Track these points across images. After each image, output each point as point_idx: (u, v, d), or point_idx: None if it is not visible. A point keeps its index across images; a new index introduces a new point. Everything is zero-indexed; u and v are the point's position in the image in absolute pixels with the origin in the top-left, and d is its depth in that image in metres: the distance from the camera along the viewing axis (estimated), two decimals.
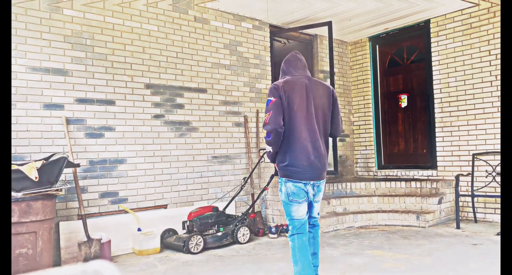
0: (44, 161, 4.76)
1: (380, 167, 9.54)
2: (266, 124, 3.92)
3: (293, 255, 3.99)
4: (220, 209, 6.66)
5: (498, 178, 7.16)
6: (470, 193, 7.42)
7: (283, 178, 4.05)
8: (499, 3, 7.39)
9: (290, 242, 4.05)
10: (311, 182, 4.01)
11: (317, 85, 4.15)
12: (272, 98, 3.94)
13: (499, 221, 7.31)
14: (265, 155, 4.55)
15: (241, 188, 6.95)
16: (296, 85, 4.02)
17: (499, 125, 7.40)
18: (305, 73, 4.21)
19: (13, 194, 4.43)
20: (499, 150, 7.35)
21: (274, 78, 8.27)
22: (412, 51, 9.02)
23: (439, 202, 7.47)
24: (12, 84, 5.36)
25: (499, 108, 7.42)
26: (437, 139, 8.33)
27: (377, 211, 7.65)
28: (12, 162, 5.00)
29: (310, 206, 4.19)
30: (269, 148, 4.04)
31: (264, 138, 4.03)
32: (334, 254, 5.63)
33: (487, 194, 7.19)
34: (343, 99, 9.73)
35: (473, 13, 7.78)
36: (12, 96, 5.36)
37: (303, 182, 3.97)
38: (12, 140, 5.32)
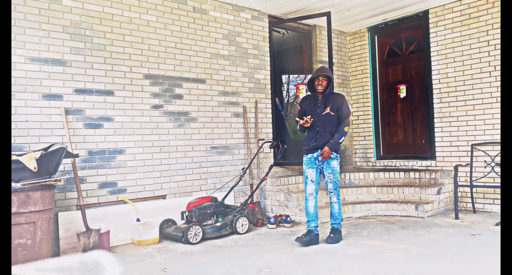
0: (43, 152, 4.75)
1: (379, 157, 9.56)
2: (349, 124, 5.81)
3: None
4: (219, 199, 6.67)
5: (497, 169, 7.18)
6: (469, 183, 7.44)
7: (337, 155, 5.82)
8: None
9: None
10: None
11: None
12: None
13: (498, 211, 7.34)
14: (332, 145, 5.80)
15: (240, 179, 6.97)
16: None
17: (498, 116, 7.41)
18: None
19: (12, 184, 4.43)
20: (498, 141, 7.36)
21: (273, 68, 8.26)
22: (411, 41, 9.01)
23: (438, 193, 7.49)
24: (11, 74, 5.35)
25: (498, 98, 7.42)
26: (436, 130, 8.33)
27: (376, 202, 7.67)
28: (11, 152, 4.99)
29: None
30: (343, 138, 5.74)
31: (345, 131, 5.75)
32: (333, 244, 5.64)
33: (486, 184, 7.20)
34: (342, 89, 9.72)
35: (472, 3, 7.76)
36: (11, 86, 5.35)
37: None
38: (11, 131, 5.32)
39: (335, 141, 5.67)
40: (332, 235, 5.77)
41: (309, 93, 6.13)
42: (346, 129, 5.72)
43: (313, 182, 5.84)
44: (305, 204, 5.92)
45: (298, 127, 6.01)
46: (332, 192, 5.83)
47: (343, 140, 5.75)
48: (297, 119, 5.86)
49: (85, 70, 5.98)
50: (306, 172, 5.91)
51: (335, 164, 5.77)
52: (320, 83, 5.80)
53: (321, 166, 5.83)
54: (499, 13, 7.38)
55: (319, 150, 5.76)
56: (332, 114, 5.76)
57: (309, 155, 5.87)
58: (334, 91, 6.00)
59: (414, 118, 9.00)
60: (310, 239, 5.64)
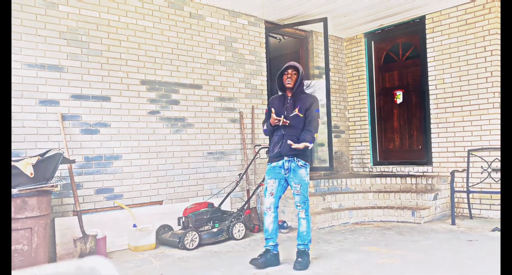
0: (40, 157, 4.75)
1: (375, 163, 9.56)
2: (317, 129, 5.09)
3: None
4: (216, 205, 6.66)
5: (494, 174, 7.19)
6: (465, 189, 7.44)
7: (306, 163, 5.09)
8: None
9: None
10: None
11: None
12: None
13: (494, 217, 7.34)
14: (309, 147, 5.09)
15: (237, 184, 6.97)
16: None
17: (494, 121, 7.43)
18: None
19: None
20: (495, 146, 7.37)
21: (270, 74, 8.27)
22: (408, 47, 9.04)
23: (435, 198, 7.49)
24: (11, 80, 5.34)
25: (494, 104, 7.44)
26: (432, 135, 8.34)
27: (373, 207, 7.67)
28: (11, 158, 4.98)
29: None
30: (312, 145, 4.97)
31: (315, 139, 5.03)
32: (329, 250, 5.64)
33: (483, 190, 7.21)
34: (339, 95, 9.74)
35: (468, 9, 7.79)
36: (11, 92, 5.34)
37: None
38: (11, 136, 5.31)
39: (305, 145, 4.89)
40: (300, 259, 4.91)
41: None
42: (316, 135, 5.05)
43: (272, 195, 5.14)
44: (263, 220, 5.28)
45: (264, 127, 5.30)
46: (299, 205, 5.07)
47: (311, 147, 5.01)
48: (274, 116, 4.99)
49: (81, 76, 5.98)
50: (267, 183, 5.21)
51: (303, 173, 5.02)
52: (289, 76, 5.09)
53: (287, 176, 5.10)
54: (496, 19, 7.41)
55: (284, 158, 5.05)
56: (301, 115, 5.04)
57: (274, 164, 5.16)
58: (310, 93, 5.33)
59: (410, 123, 9.02)
60: (265, 260, 4.98)
